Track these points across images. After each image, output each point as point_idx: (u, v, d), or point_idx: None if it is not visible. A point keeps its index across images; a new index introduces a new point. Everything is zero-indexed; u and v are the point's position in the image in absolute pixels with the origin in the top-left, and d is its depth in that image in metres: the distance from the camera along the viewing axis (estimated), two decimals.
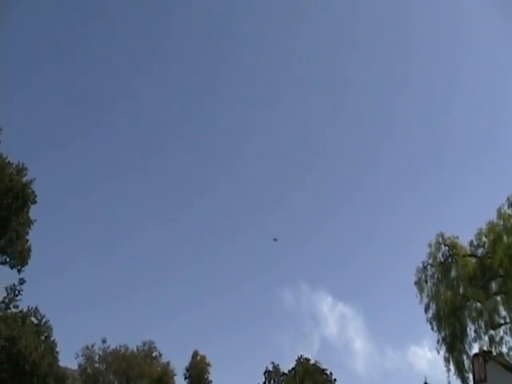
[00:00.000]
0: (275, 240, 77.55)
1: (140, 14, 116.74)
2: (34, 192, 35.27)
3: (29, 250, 34.43)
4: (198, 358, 68.40)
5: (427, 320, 36.35)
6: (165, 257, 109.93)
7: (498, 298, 34.60)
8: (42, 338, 34.19)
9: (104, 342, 59.62)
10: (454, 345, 35.07)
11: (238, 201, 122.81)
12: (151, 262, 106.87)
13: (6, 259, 33.76)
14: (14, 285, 33.49)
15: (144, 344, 62.55)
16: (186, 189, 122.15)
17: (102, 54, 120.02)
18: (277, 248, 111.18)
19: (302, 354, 74.56)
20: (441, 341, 35.54)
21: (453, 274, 36.19)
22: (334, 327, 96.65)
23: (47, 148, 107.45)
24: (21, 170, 35.23)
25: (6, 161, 34.96)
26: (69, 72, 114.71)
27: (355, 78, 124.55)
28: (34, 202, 35.34)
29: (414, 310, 37.46)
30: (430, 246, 37.12)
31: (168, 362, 62.93)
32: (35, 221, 35.45)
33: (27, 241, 34.61)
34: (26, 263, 34.26)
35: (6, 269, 33.96)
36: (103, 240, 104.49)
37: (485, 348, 35.25)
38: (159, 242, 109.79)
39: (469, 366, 36.81)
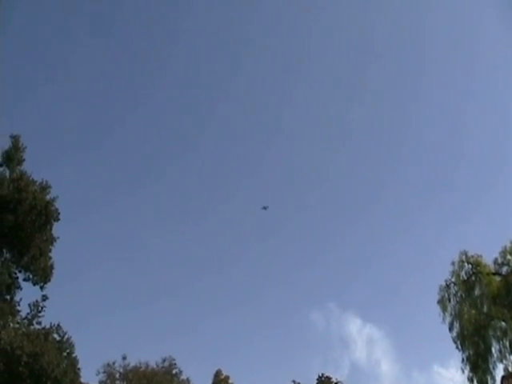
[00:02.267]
0: (265, 208, 74.48)
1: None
2: (57, 209, 35.74)
3: (51, 266, 34.77)
4: (222, 377, 67.74)
5: (452, 339, 35.96)
6: (189, 273, 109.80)
7: None
8: (64, 354, 34.28)
9: (124, 358, 59.66)
10: (478, 364, 34.56)
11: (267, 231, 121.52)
12: (174, 277, 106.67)
13: (29, 276, 34.10)
14: (36, 301, 33.78)
15: (164, 360, 62.37)
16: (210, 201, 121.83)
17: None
18: (306, 269, 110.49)
19: (323, 372, 73.53)
20: (465, 360, 35.06)
21: (476, 292, 35.83)
22: (363, 350, 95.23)
23: (70, 164, 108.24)
24: (44, 188, 35.72)
25: (30, 178, 35.50)
26: (83, 82, 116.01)
27: (368, 89, 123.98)
28: (57, 220, 35.79)
29: (439, 330, 37.15)
30: (453, 264, 36.88)
31: (188, 380, 62.65)
32: (58, 238, 35.84)
33: (50, 258, 34.95)
34: (49, 280, 34.58)
35: (29, 285, 34.35)
36: (124, 256, 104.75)
37: (510, 368, 34.70)
38: (183, 258, 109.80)
39: None
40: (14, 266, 33.86)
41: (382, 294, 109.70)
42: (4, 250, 33.70)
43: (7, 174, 35.10)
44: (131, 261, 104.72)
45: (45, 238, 34.85)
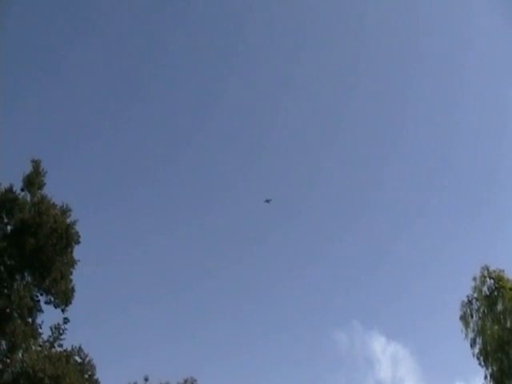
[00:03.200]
0: (267, 201, 73.41)
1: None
2: (77, 232, 36.21)
3: (72, 289, 35.13)
4: None
5: (474, 355, 35.54)
6: (209, 292, 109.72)
7: None
8: (86, 376, 34.53)
9: (146, 380, 59.53)
10: (502, 381, 33.97)
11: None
12: (199, 301, 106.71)
13: (50, 299, 34.48)
14: (58, 324, 34.23)
15: (185, 381, 62.16)
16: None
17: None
18: (329, 287, 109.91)
19: None
20: (488, 377, 34.55)
21: (499, 307, 35.42)
22: (388, 369, 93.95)
23: (91, 188, 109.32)
24: (65, 211, 36.27)
25: (51, 202, 36.10)
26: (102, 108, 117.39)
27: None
28: (78, 243, 36.27)
29: (462, 346, 36.71)
30: (474, 279, 36.57)
31: None
32: (79, 261, 36.28)
33: (71, 281, 35.34)
34: (70, 303, 34.94)
35: (50, 308, 34.75)
36: (143, 276, 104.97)
37: None
38: (211, 283, 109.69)
39: None
40: (36, 289, 34.26)
41: (404, 310, 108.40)
42: (25, 274, 34.15)
43: (28, 198, 35.71)
44: (153, 281, 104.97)
45: (66, 260, 35.26)
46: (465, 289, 36.92)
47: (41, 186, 36.46)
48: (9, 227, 34.56)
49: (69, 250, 35.62)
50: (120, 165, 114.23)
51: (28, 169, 36.44)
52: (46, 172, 37.09)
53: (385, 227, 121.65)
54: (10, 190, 35.30)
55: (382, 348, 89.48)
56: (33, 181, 36.15)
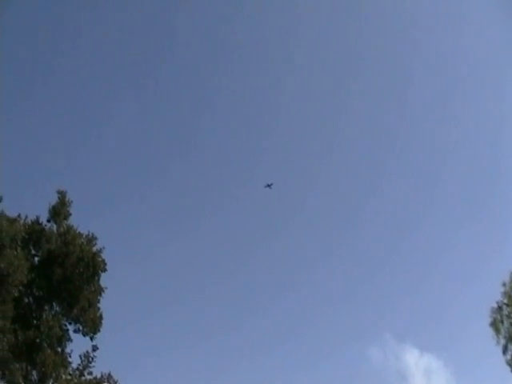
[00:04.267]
0: (269, 186, 69.88)
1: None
2: (104, 260, 36.66)
3: (100, 317, 35.52)
4: None
5: (506, 362, 34.87)
6: (242, 314, 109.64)
7: None
8: None
9: None
10: None
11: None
12: (229, 318, 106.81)
13: (78, 327, 34.92)
14: (87, 352, 34.52)
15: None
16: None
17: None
18: (361, 300, 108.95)
19: None
20: None
21: None
22: (422, 381, 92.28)
23: (115, 215, 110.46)
24: (91, 240, 36.81)
25: (77, 231, 36.72)
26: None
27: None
28: (105, 270, 36.72)
29: (494, 353, 36.11)
30: (504, 285, 36.16)
31: None
32: (106, 288, 36.71)
33: (99, 308, 35.77)
34: (98, 330, 35.32)
35: (79, 336, 35.19)
36: (171, 302, 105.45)
37: None
38: (235, 298, 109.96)
39: None
40: (64, 319, 34.71)
41: (436, 321, 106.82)
42: (54, 304, 34.71)
43: (54, 228, 36.40)
44: (179, 305, 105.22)
45: (93, 289, 35.73)
46: (495, 295, 36.53)
47: (66, 216, 37.11)
48: (36, 258, 35.25)
49: (96, 278, 36.10)
50: (140, 191, 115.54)
51: (54, 200, 37.27)
52: (72, 202, 37.89)
53: (409, 237, 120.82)
54: (36, 221, 36.04)
55: (415, 360, 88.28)
56: (59, 211, 36.83)
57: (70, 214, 37.40)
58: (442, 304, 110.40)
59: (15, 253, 32.22)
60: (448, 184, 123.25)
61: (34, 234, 35.41)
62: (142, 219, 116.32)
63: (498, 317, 35.60)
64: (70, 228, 36.65)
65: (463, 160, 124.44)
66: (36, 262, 35.10)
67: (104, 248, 36.91)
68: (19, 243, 33.68)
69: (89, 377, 34.25)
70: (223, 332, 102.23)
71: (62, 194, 37.61)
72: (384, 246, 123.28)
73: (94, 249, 36.57)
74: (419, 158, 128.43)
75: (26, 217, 35.87)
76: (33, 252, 35.21)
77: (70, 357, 34.54)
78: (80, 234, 36.65)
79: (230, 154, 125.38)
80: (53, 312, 34.47)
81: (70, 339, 34.75)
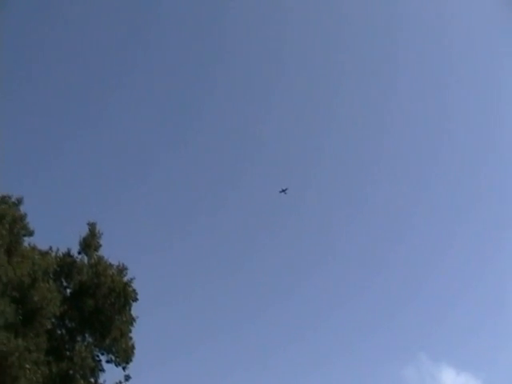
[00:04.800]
0: (284, 191, 67.00)
1: None
2: (134, 290, 37.10)
3: (132, 347, 35.81)
4: None
5: None
6: (276, 342, 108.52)
7: None
8: None
9: None
10: None
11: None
12: (259, 349, 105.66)
13: (111, 358, 35.27)
14: (120, 382, 34.90)
15: None
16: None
17: None
18: (395, 320, 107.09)
19: None
20: None
21: None
22: None
23: (145, 246, 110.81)
24: (121, 270, 37.32)
25: (107, 262, 37.25)
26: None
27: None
28: (136, 300, 37.10)
29: None
30: None
31: None
32: (137, 318, 37.03)
33: (130, 338, 36.07)
34: (131, 360, 35.59)
35: (112, 366, 35.50)
36: (202, 332, 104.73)
37: None
38: (265, 326, 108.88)
39: None
40: (97, 349, 35.15)
41: (473, 339, 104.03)
42: (86, 335, 35.17)
43: (85, 260, 37.01)
44: (211, 332, 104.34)
45: (124, 319, 36.10)
46: None
47: (97, 247, 37.74)
48: (68, 290, 35.84)
49: (127, 308, 36.51)
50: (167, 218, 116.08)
51: (84, 231, 37.93)
52: (102, 233, 38.50)
53: (442, 254, 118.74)
54: (67, 254, 36.75)
55: (451, 380, 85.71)
56: (89, 243, 37.48)
57: (101, 245, 38.03)
58: (479, 322, 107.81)
59: (47, 285, 32.80)
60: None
61: (65, 266, 36.08)
62: (171, 248, 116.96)
63: None
64: (100, 259, 37.22)
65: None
66: (68, 293, 35.69)
67: (135, 278, 37.47)
68: (51, 276, 34.42)
69: None
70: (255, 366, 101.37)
71: (92, 226, 38.27)
72: (419, 267, 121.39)
73: (125, 279, 37.07)
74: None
75: (58, 249, 36.70)
76: (65, 284, 35.85)
77: None
78: (111, 265, 37.17)
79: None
80: (85, 343, 34.87)
81: (102, 370, 35.20)
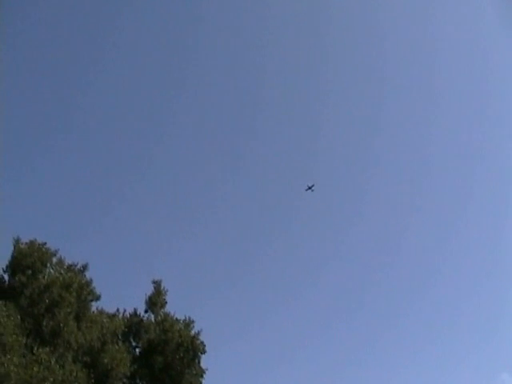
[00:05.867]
0: (310, 188, 62.05)
1: None
2: (202, 343, 37.84)
3: None
4: None
5: None
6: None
7: None
8: None
9: None
10: None
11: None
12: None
13: None
14: None
15: None
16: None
17: None
18: (474, 341, 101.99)
19: None
20: None
21: None
22: None
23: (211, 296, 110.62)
24: (188, 324, 38.26)
25: (174, 318, 38.30)
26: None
27: None
28: (204, 352, 37.79)
29: None
30: None
31: None
32: (207, 369, 37.67)
33: None
34: None
35: None
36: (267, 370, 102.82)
37: None
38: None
39: None
40: None
41: None
42: None
43: (152, 318, 38.22)
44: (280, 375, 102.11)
45: (194, 372, 36.82)
46: None
47: (163, 304, 38.96)
48: (137, 349, 37.01)
49: (196, 361, 37.26)
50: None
51: (150, 290, 39.29)
52: (167, 291, 39.74)
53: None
54: (134, 313, 38.13)
55: None
56: (155, 301, 38.78)
57: (166, 302, 39.22)
58: None
59: (117, 347, 34.11)
60: None
61: (133, 326, 37.41)
62: (234, 292, 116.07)
63: None
64: (167, 316, 38.34)
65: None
66: (137, 352, 36.87)
67: (202, 330, 38.30)
68: (120, 337, 35.82)
69: None
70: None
71: (157, 284, 39.60)
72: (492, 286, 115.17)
73: (192, 332, 37.94)
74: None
75: (125, 310, 38.18)
76: (133, 344, 37.08)
77: None
78: (177, 320, 38.20)
79: None
80: None
81: None
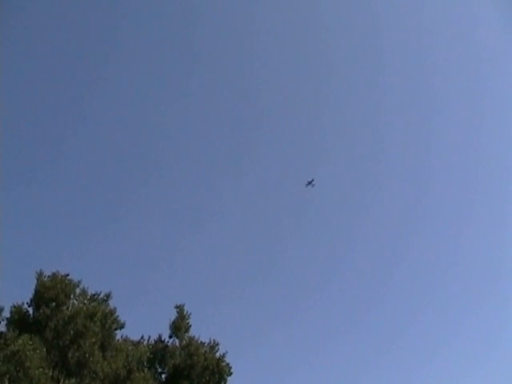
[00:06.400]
0: (310, 183, 60.48)
1: None
2: (228, 364, 37.88)
3: None
4: None
5: None
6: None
7: None
8: None
9: None
10: None
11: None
12: None
13: None
14: None
15: None
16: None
17: None
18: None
19: None
20: None
21: None
22: None
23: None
24: (213, 347, 38.32)
25: (199, 341, 38.46)
26: None
27: None
28: (230, 374, 37.80)
29: None
30: None
31: None
32: None
33: None
34: None
35: None
36: None
37: None
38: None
39: None
40: None
41: None
42: None
43: (177, 343, 38.42)
44: None
45: None
46: None
47: (187, 328, 39.13)
48: (163, 375, 37.18)
49: (222, 383, 37.28)
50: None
51: (173, 315, 39.47)
52: (190, 314, 39.95)
53: None
54: (159, 339, 38.37)
55: None
56: (179, 326, 38.92)
57: (190, 326, 39.42)
58: None
59: (143, 374, 34.36)
60: None
61: (158, 352, 37.60)
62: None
63: None
64: (191, 339, 38.50)
65: None
66: (163, 378, 37.01)
67: (227, 352, 38.34)
68: (145, 364, 36.13)
69: None
70: None
71: (180, 308, 39.82)
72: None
73: (217, 354, 38.02)
74: None
75: (149, 337, 38.46)
76: (159, 370, 37.22)
77: None
78: (202, 344, 38.32)
79: None
80: None
81: None
